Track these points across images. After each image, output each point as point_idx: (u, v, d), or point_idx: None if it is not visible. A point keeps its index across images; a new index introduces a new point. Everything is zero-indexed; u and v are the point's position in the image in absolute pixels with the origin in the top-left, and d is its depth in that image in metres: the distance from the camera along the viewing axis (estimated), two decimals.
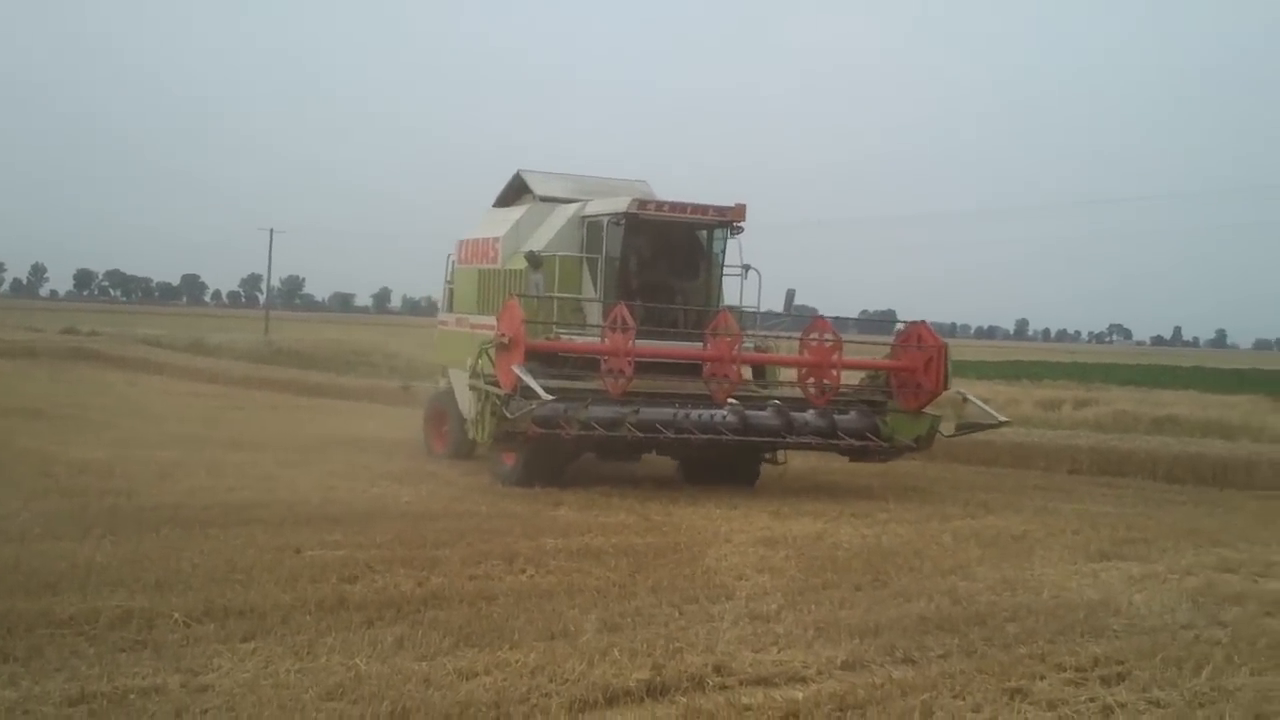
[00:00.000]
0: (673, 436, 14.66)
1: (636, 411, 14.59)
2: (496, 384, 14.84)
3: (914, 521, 13.27)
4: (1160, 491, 17.68)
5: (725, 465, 16.34)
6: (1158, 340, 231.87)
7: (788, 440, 15.43)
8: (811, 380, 15.93)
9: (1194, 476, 18.83)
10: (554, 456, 15.50)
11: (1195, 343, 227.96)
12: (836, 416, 15.74)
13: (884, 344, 17.91)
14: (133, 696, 6.18)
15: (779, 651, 7.47)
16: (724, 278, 17.14)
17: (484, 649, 7.38)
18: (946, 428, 16.39)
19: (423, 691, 6.39)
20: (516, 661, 7.05)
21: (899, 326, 17.06)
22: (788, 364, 16.87)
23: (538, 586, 9.33)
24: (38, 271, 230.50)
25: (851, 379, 16.73)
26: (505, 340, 14.68)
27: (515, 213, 18.39)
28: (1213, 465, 18.99)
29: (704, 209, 16.56)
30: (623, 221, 16.32)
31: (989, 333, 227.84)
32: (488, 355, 15.20)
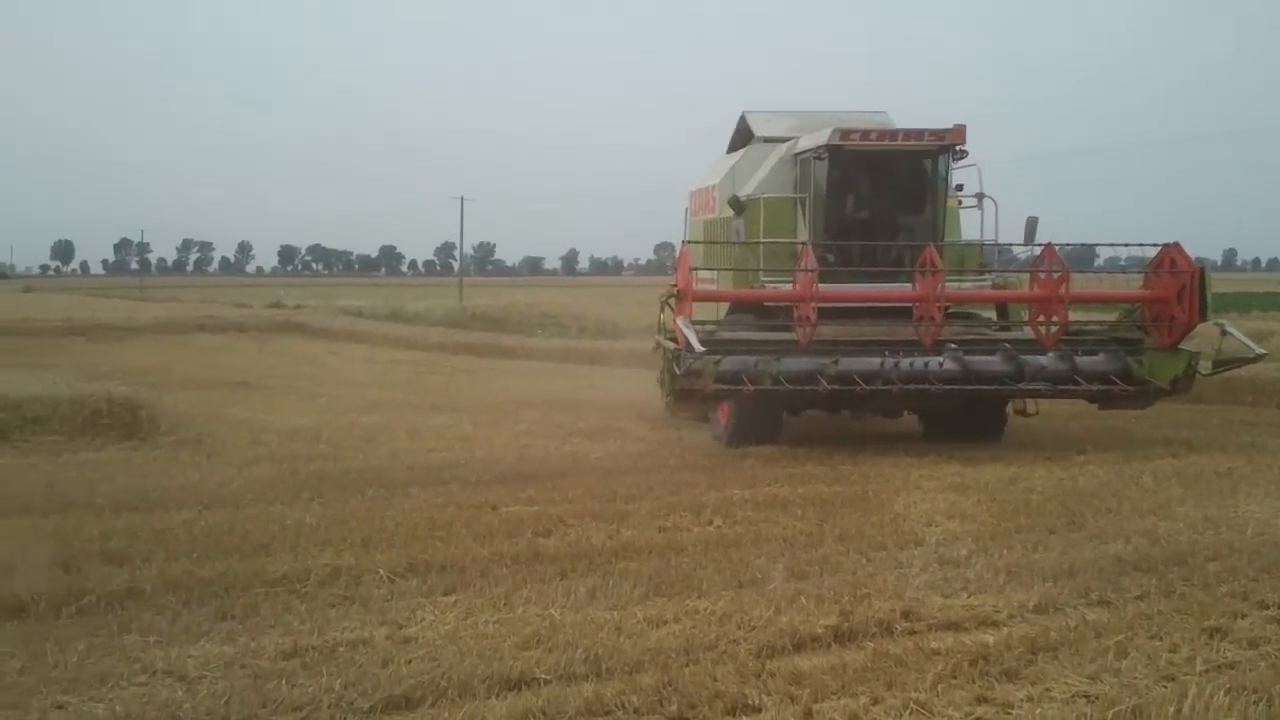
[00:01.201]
0: (867, 389, 13.50)
1: (835, 363, 13.49)
2: (674, 339, 14.07)
3: (1113, 462, 12.88)
4: None
5: (969, 419, 15.03)
6: None
7: (1018, 388, 13.85)
8: (1041, 319, 14.30)
9: None
10: (765, 413, 14.80)
11: None
12: (1079, 358, 13.87)
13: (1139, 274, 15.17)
14: (342, 649, 6.52)
15: (969, 596, 7.41)
16: (958, 209, 15.91)
17: (673, 598, 7.53)
18: (1205, 365, 14.21)
19: (614, 639, 6.57)
20: (705, 609, 7.17)
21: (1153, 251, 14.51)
22: (1005, 300, 15.57)
23: (725, 537, 9.44)
24: (244, 249, 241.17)
25: (1108, 315, 15.57)
26: (674, 291, 13.92)
27: (734, 157, 17.52)
28: None
29: (918, 134, 15.04)
30: (825, 155, 15.10)
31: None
32: (669, 307, 14.41)
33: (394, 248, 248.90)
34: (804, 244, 14.50)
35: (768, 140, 17.02)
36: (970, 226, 15.91)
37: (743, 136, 17.99)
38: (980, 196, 15.47)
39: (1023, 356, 13.74)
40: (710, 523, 10.02)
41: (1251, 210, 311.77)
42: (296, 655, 6.40)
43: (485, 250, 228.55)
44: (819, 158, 15.26)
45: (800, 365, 13.61)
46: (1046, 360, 13.80)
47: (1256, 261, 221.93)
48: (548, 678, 5.95)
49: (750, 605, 7.21)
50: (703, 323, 14.10)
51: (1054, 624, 6.78)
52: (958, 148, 15.07)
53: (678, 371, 13.52)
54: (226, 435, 15.66)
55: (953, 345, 13.89)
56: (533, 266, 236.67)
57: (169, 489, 11.55)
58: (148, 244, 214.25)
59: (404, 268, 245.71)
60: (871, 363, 13.60)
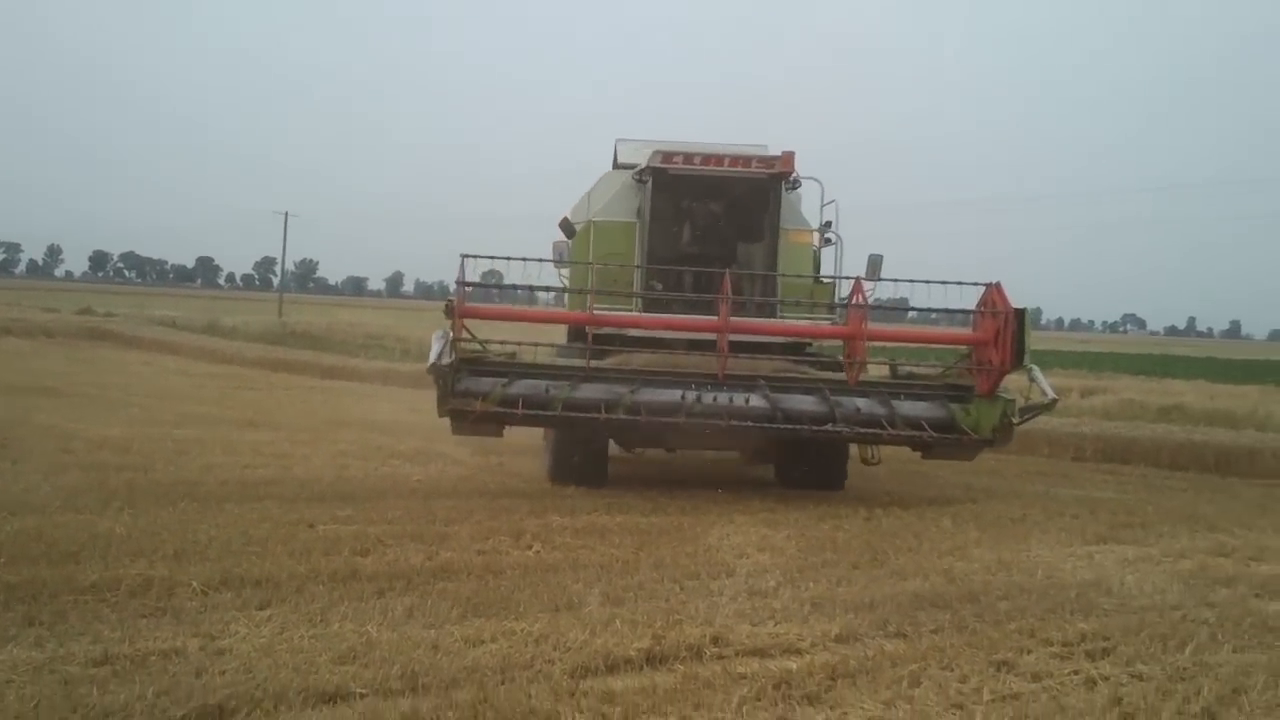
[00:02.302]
0: (659, 422, 12.45)
1: (632, 393, 12.65)
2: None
3: (916, 504, 13.48)
4: (1162, 478, 17.83)
5: (814, 467, 14.29)
6: (1171, 330, 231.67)
7: (825, 430, 12.67)
8: (847, 357, 13.37)
9: (1197, 464, 18.96)
10: (584, 448, 14.03)
11: (1210, 333, 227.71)
12: (900, 403, 12.88)
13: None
14: (154, 658, 6.45)
15: (775, 625, 7.71)
16: (810, 246, 14.96)
17: (490, 618, 7.64)
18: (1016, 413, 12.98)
19: (431, 657, 6.65)
20: (522, 630, 7.31)
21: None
22: (800, 334, 14.24)
23: (544, 561, 9.58)
24: (53, 253, 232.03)
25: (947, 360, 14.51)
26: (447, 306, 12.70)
27: (590, 184, 16.41)
28: (1216, 453, 19.11)
29: (745, 159, 14.14)
30: (649, 178, 14.55)
31: (1073, 325, 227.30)
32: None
33: (211, 259, 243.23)
34: (577, 267, 14.28)
35: (625, 167, 16.13)
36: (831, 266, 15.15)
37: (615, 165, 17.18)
38: (826, 226, 14.95)
39: (837, 398, 12.81)
40: (530, 547, 10.15)
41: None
42: (107, 663, 6.32)
43: (308, 267, 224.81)
44: (642, 180, 14.83)
45: (592, 394, 12.73)
46: (862, 403, 12.83)
47: (1060, 321, 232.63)
48: (364, 692, 6.01)
49: (566, 628, 7.37)
50: (483, 343, 13.23)
51: (853, 653, 7.11)
52: (790, 177, 14.45)
53: (452, 389, 12.59)
54: (33, 441, 15.12)
55: (762, 382, 13.06)
56: (356, 286, 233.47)
57: None
58: None
59: (221, 280, 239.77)
60: (671, 395, 12.73)
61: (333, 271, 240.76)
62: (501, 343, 13.40)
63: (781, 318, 14.15)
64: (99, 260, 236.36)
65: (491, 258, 12.82)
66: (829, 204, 15.23)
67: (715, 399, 12.75)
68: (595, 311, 13.12)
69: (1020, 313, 12.53)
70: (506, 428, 13.38)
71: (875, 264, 14.68)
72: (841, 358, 13.86)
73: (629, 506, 12.51)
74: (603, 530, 11.02)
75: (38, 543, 9.03)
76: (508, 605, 7.99)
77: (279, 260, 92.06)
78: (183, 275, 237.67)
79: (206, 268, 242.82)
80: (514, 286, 13.43)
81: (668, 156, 14.23)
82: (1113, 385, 29.15)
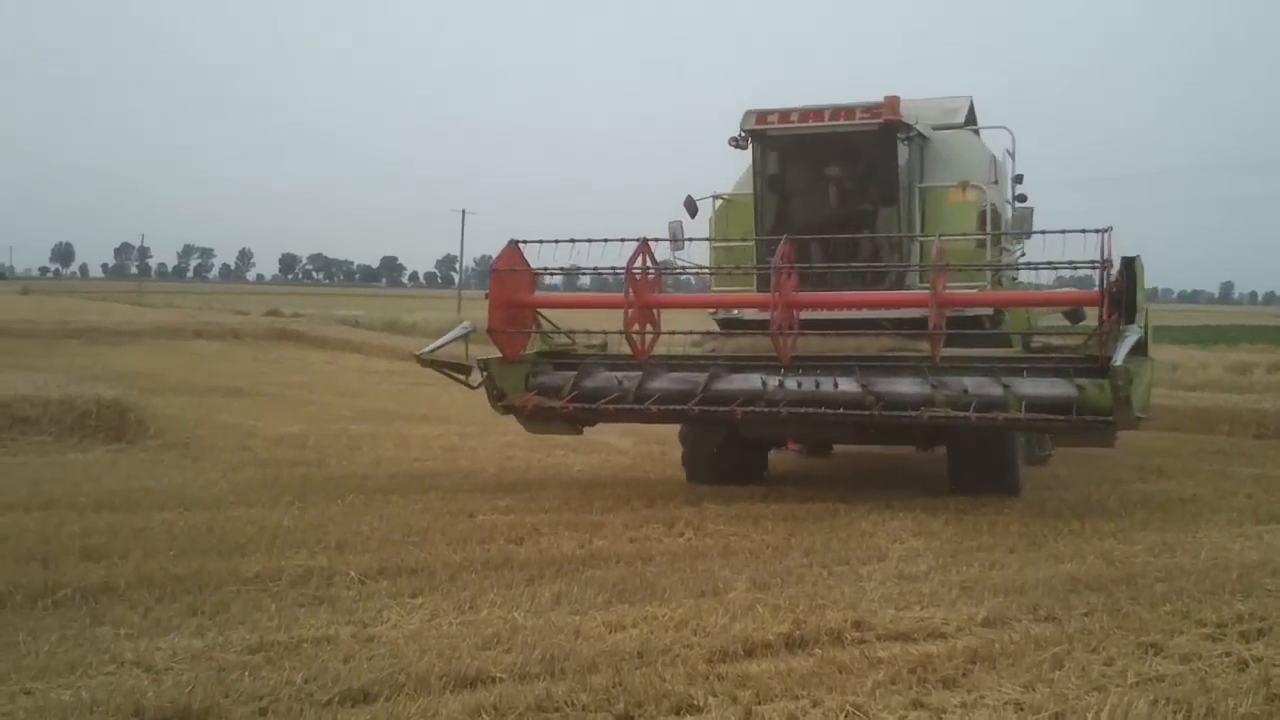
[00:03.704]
0: (698, 410, 11.60)
1: (711, 381, 11.83)
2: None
3: (1083, 486, 13.14)
4: None
5: (980, 464, 12.44)
6: (1208, 298, 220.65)
7: (928, 415, 10.97)
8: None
9: None
10: (711, 445, 13.22)
11: (1255, 298, 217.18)
12: (1018, 382, 11.00)
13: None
14: (306, 645, 6.70)
15: (921, 609, 7.60)
16: (965, 203, 12.90)
17: (635, 604, 7.72)
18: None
19: (572, 642, 6.76)
20: (664, 616, 7.36)
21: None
22: (873, 304, 12.30)
23: (694, 548, 9.65)
24: (245, 257, 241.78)
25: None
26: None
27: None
28: None
29: (848, 111, 12.65)
30: (745, 142, 13.26)
31: (1192, 297, 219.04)
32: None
33: (395, 259, 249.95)
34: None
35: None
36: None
37: None
38: (1013, 185, 13.48)
39: (940, 378, 11.18)
40: (681, 534, 10.23)
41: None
42: (262, 650, 6.58)
43: (487, 263, 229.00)
44: (738, 145, 13.32)
45: (666, 385, 12.00)
46: (971, 383, 11.15)
47: (1253, 295, 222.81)
48: (503, 676, 6.13)
49: (708, 613, 7.40)
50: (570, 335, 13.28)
51: (998, 636, 6.96)
52: (894, 124, 12.55)
53: (469, 385, 12.46)
54: (214, 440, 15.84)
55: (854, 364, 11.70)
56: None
57: (152, 490, 11.74)
58: (148, 249, 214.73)
59: (405, 279, 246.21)
60: (750, 382, 11.77)
61: None
62: (587, 333, 13.18)
63: (923, 287, 11.91)
64: (288, 263, 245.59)
65: (549, 241, 12.08)
66: (1008, 156, 13.97)
67: (800, 385, 11.59)
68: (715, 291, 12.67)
69: (1128, 262, 10.56)
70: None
71: (1024, 217, 13.18)
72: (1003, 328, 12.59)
73: (785, 494, 12.46)
74: (756, 516, 11.03)
75: (208, 536, 9.49)
76: (653, 591, 8.06)
77: (459, 257, 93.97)
78: (368, 275, 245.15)
79: (391, 267, 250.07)
80: (678, 270, 13.12)
81: (762, 116, 12.94)
82: (1260, 359, 27.88)
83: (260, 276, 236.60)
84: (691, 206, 13.62)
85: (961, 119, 14.44)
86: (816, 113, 12.75)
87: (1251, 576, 8.59)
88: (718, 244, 13.53)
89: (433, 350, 12.40)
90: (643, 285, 11.90)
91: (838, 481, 13.61)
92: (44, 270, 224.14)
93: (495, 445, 16.27)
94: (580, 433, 13.51)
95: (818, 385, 11.53)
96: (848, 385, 11.45)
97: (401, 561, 8.79)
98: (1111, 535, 10.31)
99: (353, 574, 8.37)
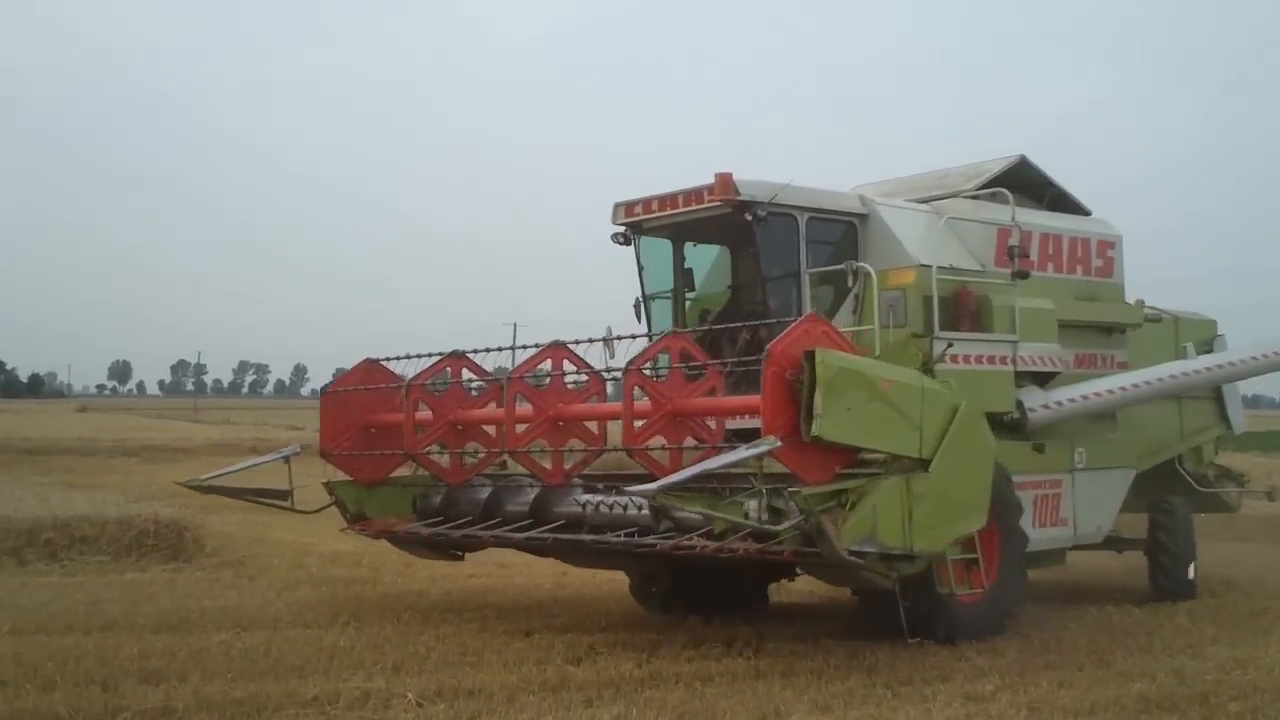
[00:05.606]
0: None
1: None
2: None
3: (1149, 600, 12.86)
4: None
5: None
6: None
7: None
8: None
9: None
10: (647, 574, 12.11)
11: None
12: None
13: None
14: None
15: None
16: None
17: None
18: None
19: None
20: None
21: None
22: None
23: (754, 668, 9.49)
24: (299, 372, 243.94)
25: None
26: None
27: None
28: None
29: (697, 194, 11.26)
30: (622, 237, 12.32)
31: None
32: None
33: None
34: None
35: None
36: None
37: None
38: (851, 266, 11.24)
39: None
40: (741, 654, 10.07)
41: None
42: None
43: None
44: (621, 241, 12.34)
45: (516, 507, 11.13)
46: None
47: None
48: None
49: None
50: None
51: None
52: (734, 204, 10.97)
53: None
54: (269, 557, 15.90)
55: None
56: None
57: (209, 610, 11.79)
58: (204, 365, 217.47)
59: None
60: (571, 506, 10.66)
61: None
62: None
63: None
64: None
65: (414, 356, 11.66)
66: (1002, 224, 12.05)
67: (613, 506, 10.13)
68: None
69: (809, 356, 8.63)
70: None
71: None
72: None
73: (845, 610, 12.26)
74: (817, 635, 10.85)
75: (265, 657, 9.47)
76: (714, 714, 7.94)
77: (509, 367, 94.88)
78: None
79: None
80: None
81: (629, 208, 11.94)
82: None
83: (314, 391, 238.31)
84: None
85: (978, 184, 12.77)
86: (671, 199, 11.57)
87: None
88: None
89: (216, 476, 11.86)
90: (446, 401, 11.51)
91: None
92: (100, 387, 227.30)
93: (549, 561, 16.15)
94: (461, 558, 12.88)
95: (611, 508, 10.18)
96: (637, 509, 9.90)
97: (459, 683, 8.70)
98: (1181, 651, 10.09)
99: (410, 696, 8.30)
